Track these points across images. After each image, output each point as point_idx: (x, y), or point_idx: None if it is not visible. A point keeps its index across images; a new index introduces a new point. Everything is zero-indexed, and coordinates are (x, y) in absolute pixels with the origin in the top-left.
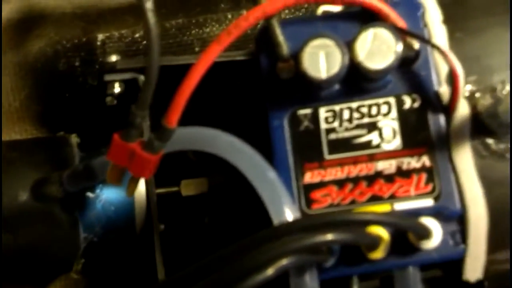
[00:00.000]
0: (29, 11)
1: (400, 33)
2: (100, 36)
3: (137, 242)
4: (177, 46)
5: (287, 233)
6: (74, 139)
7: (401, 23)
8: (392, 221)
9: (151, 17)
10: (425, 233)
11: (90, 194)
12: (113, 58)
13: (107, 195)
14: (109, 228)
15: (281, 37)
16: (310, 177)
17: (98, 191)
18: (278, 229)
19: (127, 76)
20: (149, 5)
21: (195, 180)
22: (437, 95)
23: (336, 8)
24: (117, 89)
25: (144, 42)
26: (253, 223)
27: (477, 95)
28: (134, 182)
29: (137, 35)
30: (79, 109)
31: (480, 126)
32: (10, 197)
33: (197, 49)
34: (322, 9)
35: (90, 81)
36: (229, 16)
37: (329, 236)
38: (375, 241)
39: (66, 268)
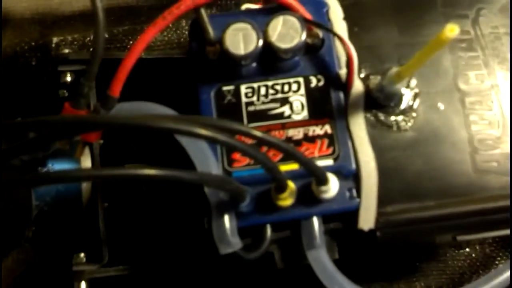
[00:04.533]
0: None
1: (307, 23)
2: (55, 39)
3: (83, 214)
4: (123, 49)
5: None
6: None
7: (308, 15)
8: (299, 156)
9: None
10: (323, 178)
11: (41, 168)
12: (66, 50)
13: (57, 169)
14: (58, 199)
15: (208, 24)
16: None
17: (49, 165)
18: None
19: (77, 67)
20: None
21: (136, 165)
22: (338, 76)
23: (257, 7)
24: (68, 78)
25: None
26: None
27: (371, 77)
28: (82, 145)
29: (87, 39)
30: (35, 102)
31: (372, 102)
32: None
33: None
34: (244, 7)
35: (45, 78)
36: (170, 25)
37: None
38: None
39: (19, 235)
